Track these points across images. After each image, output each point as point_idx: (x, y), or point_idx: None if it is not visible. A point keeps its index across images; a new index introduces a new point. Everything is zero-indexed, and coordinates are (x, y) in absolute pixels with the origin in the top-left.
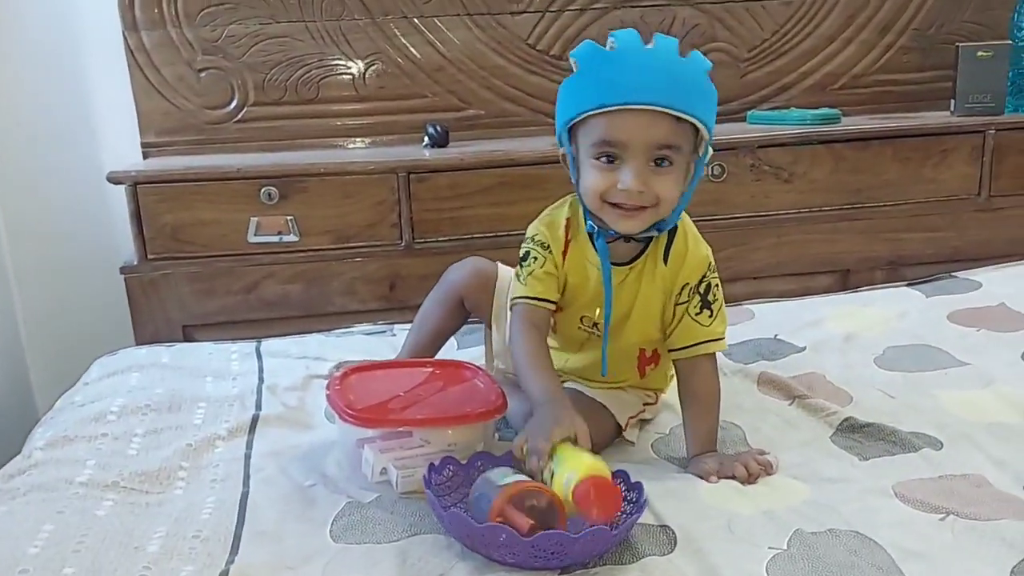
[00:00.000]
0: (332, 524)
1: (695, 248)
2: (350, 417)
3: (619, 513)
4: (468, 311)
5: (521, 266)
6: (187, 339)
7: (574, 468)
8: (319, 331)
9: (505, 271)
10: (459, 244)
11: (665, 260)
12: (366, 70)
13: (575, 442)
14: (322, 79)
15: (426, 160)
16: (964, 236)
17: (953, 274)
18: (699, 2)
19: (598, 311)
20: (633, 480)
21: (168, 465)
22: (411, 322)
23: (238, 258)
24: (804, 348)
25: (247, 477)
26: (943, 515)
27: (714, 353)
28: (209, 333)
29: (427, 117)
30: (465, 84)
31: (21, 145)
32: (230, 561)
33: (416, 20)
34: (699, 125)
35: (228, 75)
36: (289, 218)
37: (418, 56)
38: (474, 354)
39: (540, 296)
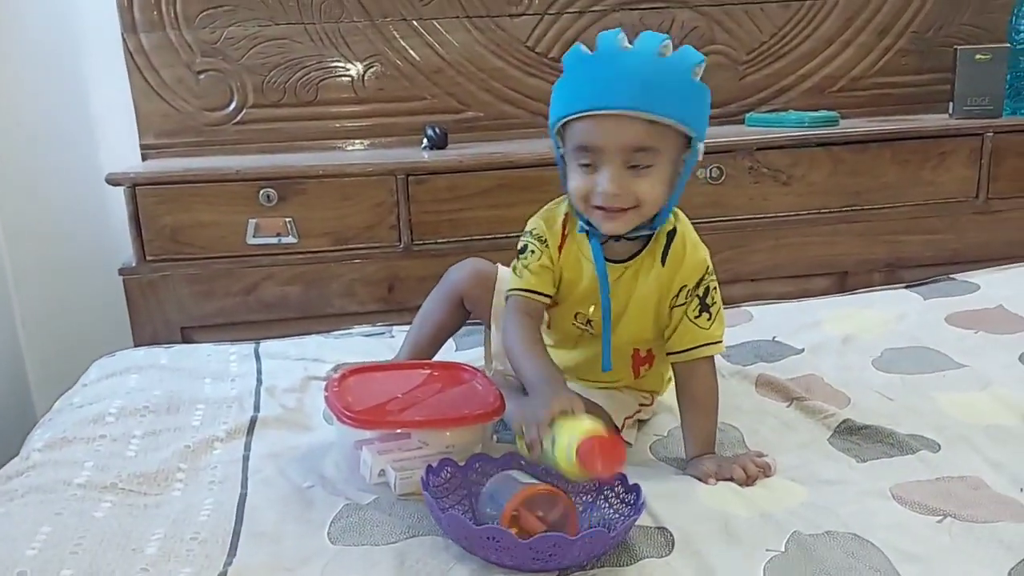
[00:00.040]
0: (330, 526)
1: (693, 251)
2: (348, 419)
3: (623, 467)
4: (468, 311)
5: (518, 259)
6: (186, 341)
7: (574, 432)
8: (318, 333)
9: (505, 272)
10: (458, 246)
11: (663, 261)
12: (365, 72)
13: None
14: (321, 81)
15: (425, 162)
16: (962, 238)
17: (951, 276)
18: (698, 4)
19: (592, 308)
20: (631, 482)
21: (166, 467)
22: (410, 324)
23: (237, 260)
24: (802, 350)
25: (245, 479)
26: (941, 517)
27: (712, 356)
28: (208, 335)
29: (426, 119)
30: (464, 86)
31: (20, 146)
32: (228, 563)
33: (415, 22)
34: (678, 125)
35: (227, 77)
36: (288, 220)
37: (417, 58)
38: (473, 356)
39: (534, 289)
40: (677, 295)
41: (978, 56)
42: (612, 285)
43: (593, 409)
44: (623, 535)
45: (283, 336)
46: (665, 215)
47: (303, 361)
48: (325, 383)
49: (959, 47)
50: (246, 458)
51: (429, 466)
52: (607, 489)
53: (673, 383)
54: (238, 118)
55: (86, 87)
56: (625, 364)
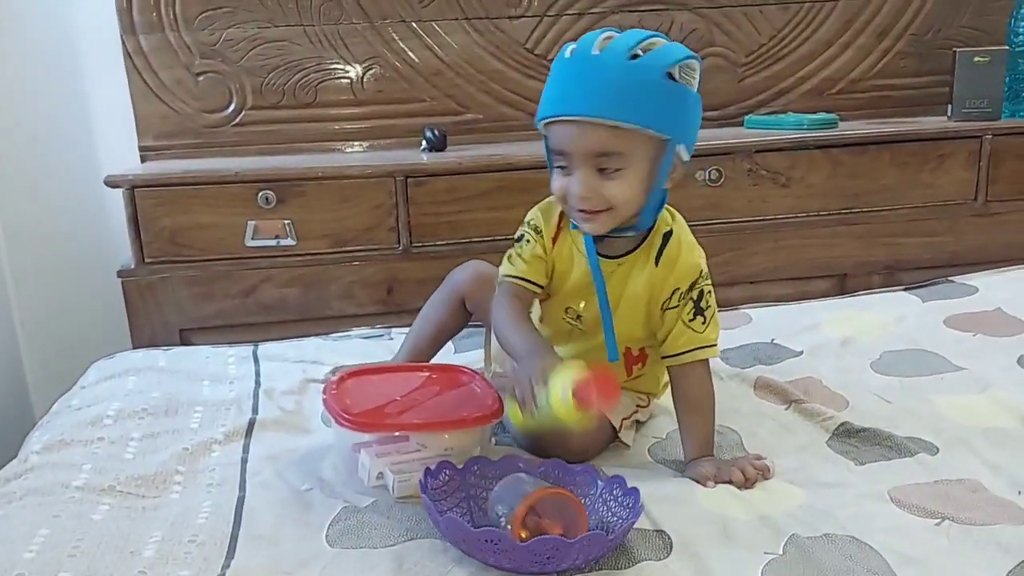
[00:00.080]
0: (328, 528)
1: (688, 254)
2: (347, 421)
3: (618, 401)
4: (470, 312)
5: (514, 246)
6: (184, 343)
7: (566, 377)
8: (316, 335)
9: None
10: (457, 248)
11: (657, 261)
12: (364, 74)
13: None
14: (320, 83)
15: (424, 164)
16: (961, 241)
17: (950, 279)
18: (697, 7)
19: (582, 304)
20: (629, 485)
21: (164, 469)
22: (409, 326)
23: (235, 262)
24: (801, 352)
25: (243, 481)
26: (939, 520)
27: (707, 359)
28: (206, 337)
29: (425, 121)
30: (463, 88)
31: (19, 148)
32: (226, 566)
33: (414, 24)
34: (644, 130)
35: (226, 79)
36: (287, 222)
37: (416, 60)
38: (471, 358)
39: (525, 276)
40: (670, 297)
41: (977, 58)
42: (604, 281)
43: None
44: (621, 538)
45: (282, 338)
46: (648, 216)
47: (302, 363)
48: (323, 386)
49: (958, 49)
50: (244, 460)
51: (427, 469)
52: (606, 491)
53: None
54: (237, 120)
55: (85, 89)
56: (618, 361)
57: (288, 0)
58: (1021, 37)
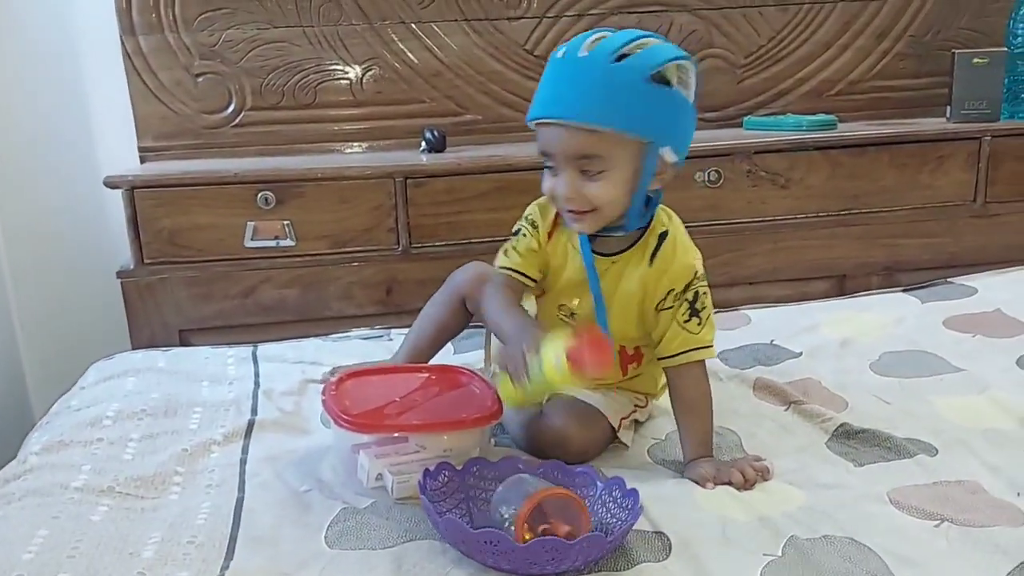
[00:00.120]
0: (327, 530)
1: (683, 255)
2: (346, 423)
3: (612, 363)
4: (470, 313)
5: (510, 240)
6: (183, 343)
7: (558, 345)
8: (316, 336)
9: None
10: (456, 249)
11: (651, 261)
12: (363, 75)
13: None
14: (319, 84)
15: (423, 165)
16: (960, 242)
17: (949, 280)
18: (696, 8)
19: (576, 301)
20: (629, 487)
21: (163, 470)
22: (408, 327)
23: (235, 263)
24: (800, 353)
25: (242, 482)
26: (938, 522)
27: (703, 360)
28: (205, 337)
29: (424, 122)
30: (462, 89)
31: (19, 148)
32: (225, 567)
33: (414, 25)
34: (622, 133)
35: (225, 80)
36: (286, 223)
37: (415, 61)
38: (470, 359)
39: (518, 269)
40: (664, 298)
41: (976, 60)
42: (598, 277)
43: (592, 414)
44: (620, 539)
45: (281, 339)
46: (635, 217)
47: (301, 364)
48: (322, 387)
49: (957, 51)
50: (243, 461)
51: (426, 470)
52: (605, 493)
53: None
54: (236, 121)
55: (85, 89)
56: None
57: (287, 1)
58: (1020, 39)
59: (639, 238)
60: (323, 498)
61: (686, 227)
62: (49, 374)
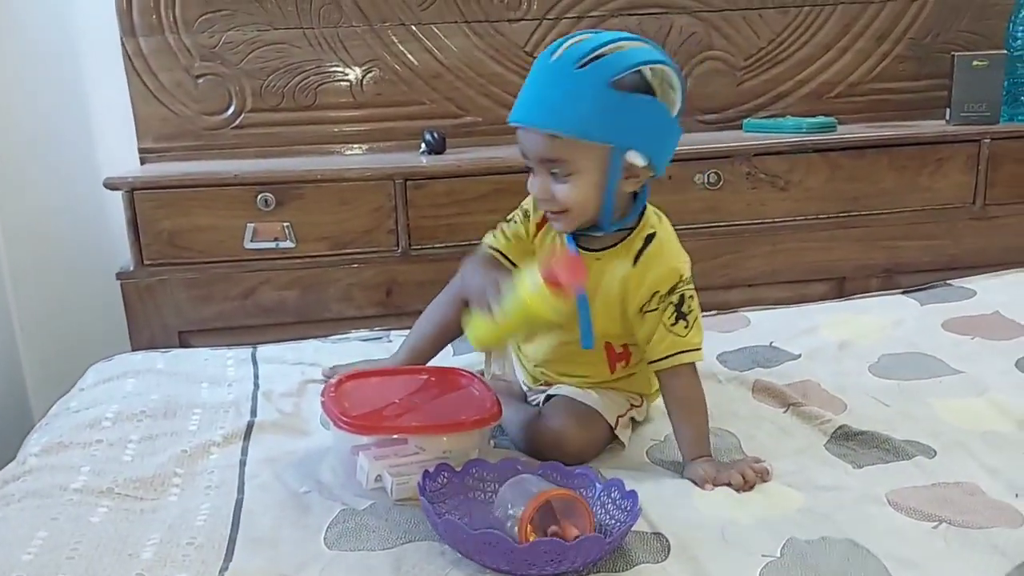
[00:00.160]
0: (327, 531)
1: (667, 258)
2: (345, 424)
3: (587, 277)
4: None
5: (502, 223)
6: (183, 345)
7: (532, 272)
8: (315, 337)
9: None
10: (456, 251)
11: (635, 261)
12: (363, 77)
13: None
14: (319, 86)
15: (423, 167)
16: (959, 244)
17: (948, 282)
18: (696, 10)
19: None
20: (628, 488)
21: (163, 471)
22: (407, 328)
23: (234, 264)
24: (799, 356)
25: (242, 484)
26: (936, 523)
27: (693, 363)
28: (205, 339)
29: (424, 124)
30: (462, 91)
31: (19, 149)
32: (224, 568)
33: (414, 27)
34: (581, 139)
35: (226, 81)
36: (286, 224)
37: (415, 63)
38: (470, 360)
39: (500, 249)
40: (649, 300)
41: (975, 62)
42: None
43: (589, 414)
44: (619, 541)
45: (280, 341)
46: (607, 218)
47: (300, 366)
48: (322, 388)
49: (956, 53)
50: (243, 463)
51: (426, 471)
52: (604, 494)
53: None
54: (236, 122)
55: (85, 91)
56: (599, 356)
57: (288, 3)
58: (1019, 41)
59: (625, 237)
60: (322, 499)
61: (686, 229)
62: (48, 375)
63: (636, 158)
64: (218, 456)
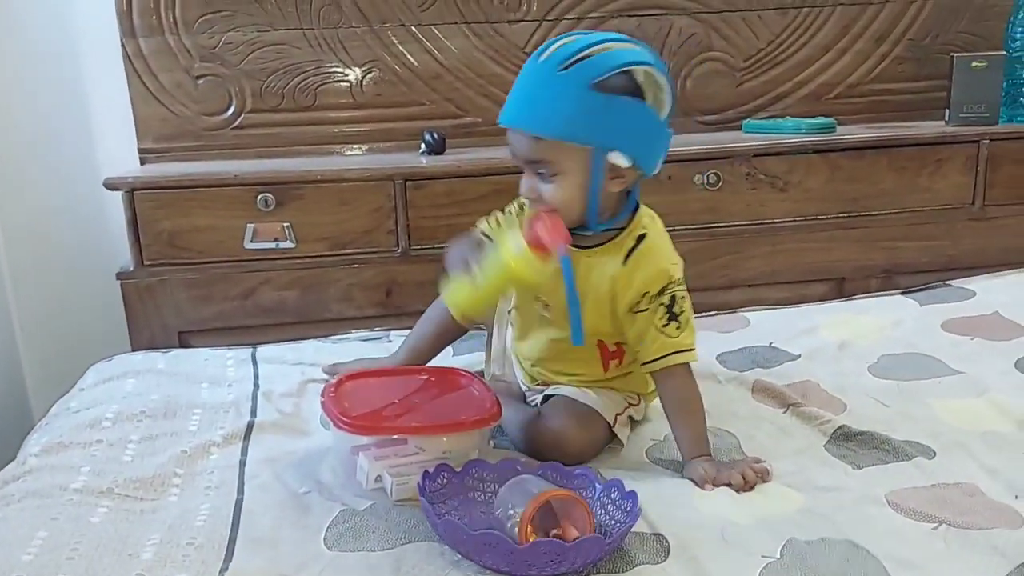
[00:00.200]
0: (326, 531)
1: (657, 259)
2: (345, 425)
3: (569, 237)
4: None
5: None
6: (183, 345)
7: (515, 234)
8: (315, 337)
9: None
10: None
11: (625, 261)
12: (363, 77)
13: None
14: (319, 86)
15: (423, 167)
16: (958, 245)
17: (947, 283)
18: (696, 12)
19: (548, 292)
20: (627, 489)
21: (163, 472)
22: (407, 328)
23: (234, 264)
24: (799, 356)
25: (242, 484)
26: (936, 524)
27: (686, 363)
28: (205, 339)
29: (424, 124)
30: (462, 92)
31: (19, 150)
32: (224, 568)
33: (413, 28)
34: (561, 141)
35: (225, 82)
36: (285, 225)
37: (415, 64)
38: (470, 360)
39: (489, 235)
40: (639, 300)
41: (974, 63)
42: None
43: (588, 414)
44: (619, 541)
45: (280, 341)
46: (592, 216)
47: (300, 366)
48: (322, 388)
49: (956, 54)
50: (243, 463)
51: (425, 472)
52: (604, 494)
53: None
54: (236, 123)
55: (85, 91)
56: (592, 354)
57: (288, 4)
58: (1018, 42)
59: (615, 236)
60: (322, 500)
61: (685, 229)
62: (48, 375)
63: (619, 159)
64: (218, 456)
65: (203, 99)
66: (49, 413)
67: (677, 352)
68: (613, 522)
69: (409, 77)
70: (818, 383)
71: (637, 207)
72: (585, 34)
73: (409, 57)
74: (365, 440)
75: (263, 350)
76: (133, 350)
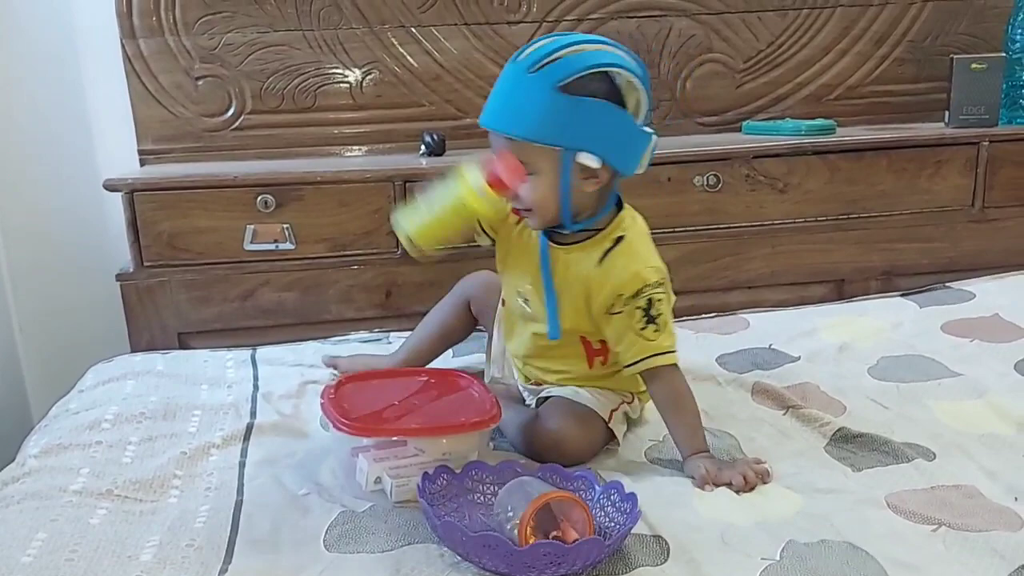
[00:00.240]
0: (326, 533)
1: (631, 262)
2: (344, 426)
3: (524, 175)
4: (475, 319)
5: None
6: (182, 346)
7: (473, 171)
8: (315, 339)
9: None
10: (455, 252)
11: (600, 262)
12: (363, 79)
13: None
14: (319, 87)
15: (423, 168)
16: (958, 247)
17: (947, 284)
18: (696, 13)
19: (528, 286)
20: (627, 490)
21: (162, 473)
22: (407, 330)
23: (234, 266)
24: (798, 358)
25: (241, 485)
26: (935, 526)
27: (670, 364)
28: (204, 340)
29: (424, 126)
30: (462, 93)
31: (19, 151)
32: (224, 570)
33: (413, 29)
34: (530, 142)
35: (225, 83)
36: (285, 226)
37: (415, 65)
38: (469, 362)
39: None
40: (614, 303)
41: (974, 65)
42: (548, 259)
43: (585, 414)
44: (619, 543)
45: (280, 342)
46: (567, 218)
47: (300, 367)
48: (321, 389)
49: (955, 56)
50: (242, 465)
51: (425, 473)
52: (603, 496)
53: None
54: (236, 124)
55: (84, 92)
56: (575, 349)
57: (288, 5)
58: (1018, 44)
59: (595, 235)
60: (322, 501)
61: (685, 231)
62: (48, 376)
63: (589, 160)
64: (218, 458)
65: (203, 100)
66: (48, 414)
67: (656, 355)
68: (613, 524)
69: (409, 78)
70: (818, 385)
71: (621, 208)
72: (563, 35)
73: (409, 58)
74: (365, 442)
75: (263, 351)
76: (133, 351)
